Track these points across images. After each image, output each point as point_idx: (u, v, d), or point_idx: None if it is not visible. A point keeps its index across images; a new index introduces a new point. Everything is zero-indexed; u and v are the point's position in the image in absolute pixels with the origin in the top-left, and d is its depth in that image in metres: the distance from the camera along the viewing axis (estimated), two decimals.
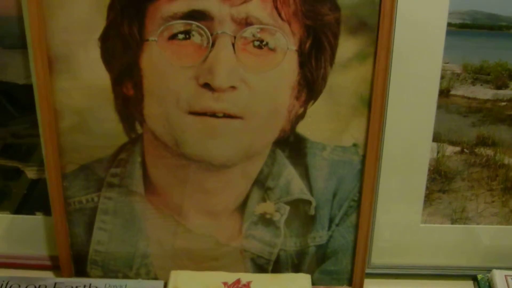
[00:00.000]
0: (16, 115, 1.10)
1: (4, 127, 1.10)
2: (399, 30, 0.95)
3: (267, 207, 1.02)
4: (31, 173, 1.10)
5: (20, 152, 1.13)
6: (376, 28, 0.94)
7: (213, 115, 0.97)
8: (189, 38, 0.93)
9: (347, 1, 0.92)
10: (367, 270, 1.08)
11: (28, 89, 1.03)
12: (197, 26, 0.91)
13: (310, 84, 0.95)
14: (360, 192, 1.02)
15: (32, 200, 1.14)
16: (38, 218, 1.14)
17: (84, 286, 1.03)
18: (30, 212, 1.14)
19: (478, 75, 1.01)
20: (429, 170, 1.07)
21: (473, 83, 1.01)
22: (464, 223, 1.10)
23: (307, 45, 0.93)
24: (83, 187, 1.03)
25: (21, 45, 1.01)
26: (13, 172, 1.14)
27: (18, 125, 1.10)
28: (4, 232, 1.14)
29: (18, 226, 1.14)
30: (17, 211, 1.15)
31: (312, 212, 1.03)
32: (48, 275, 1.13)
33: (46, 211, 1.10)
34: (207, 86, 0.95)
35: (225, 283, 1.01)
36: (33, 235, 1.15)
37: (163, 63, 0.94)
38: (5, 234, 1.15)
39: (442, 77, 1.01)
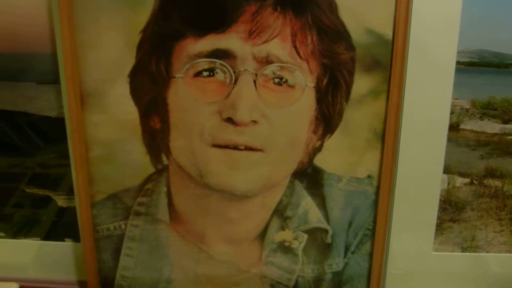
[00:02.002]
0: (42, 146, 1.15)
1: (31, 157, 1.15)
2: (411, 68, 1.00)
3: (286, 235, 1.07)
4: (61, 201, 1.15)
5: (48, 181, 1.17)
6: (389, 66, 0.98)
7: (235, 147, 1.01)
8: (213, 75, 0.98)
9: (361, 41, 0.97)
10: None
11: (54, 121, 1.08)
12: (221, 64, 0.96)
13: (327, 119, 1.00)
14: (374, 221, 1.06)
15: (60, 227, 1.18)
16: (67, 245, 1.18)
17: None
18: (59, 238, 1.17)
19: (486, 110, 1.06)
20: (440, 200, 1.11)
21: (481, 118, 1.06)
22: (474, 251, 1.14)
23: (324, 82, 0.98)
24: (111, 215, 1.08)
25: (54, 80, 1.05)
26: (41, 200, 1.19)
27: (45, 155, 1.15)
28: (34, 257, 1.19)
29: (48, 252, 1.19)
30: (46, 237, 1.19)
31: (328, 240, 1.07)
32: None
33: (75, 238, 1.14)
34: (229, 120, 0.99)
35: None
36: (62, 260, 1.20)
37: (188, 98, 0.99)
38: (35, 260, 1.20)
39: (452, 112, 1.06)
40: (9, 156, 1.15)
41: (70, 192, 1.13)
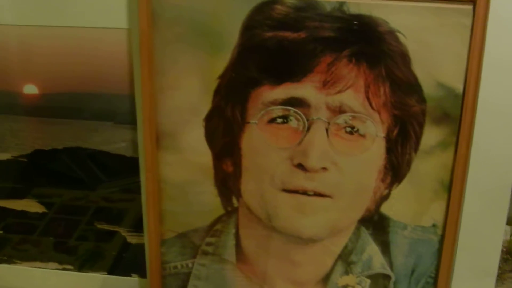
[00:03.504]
0: (104, 179, 1.18)
1: (93, 191, 1.18)
2: (479, 121, 1.02)
3: (349, 280, 1.09)
4: (128, 236, 1.18)
5: (111, 215, 1.20)
6: (458, 119, 1.01)
7: (305, 193, 1.04)
8: (287, 122, 1.01)
9: (432, 94, 0.99)
10: None
11: (115, 157, 1.11)
12: (295, 112, 1.00)
13: (395, 169, 1.02)
14: (437, 269, 1.08)
15: (125, 262, 1.21)
16: (133, 280, 1.21)
17: None
18: (124, 273, 1.20)
19: None
20: (502, 251, 1.12)
21: None
22: None
23: (395, 132, 1.01)
24: (179, 253, 1.11)
25: (130, 121, 1.08)
26: (105, 233, 1.22)
27: (107, 189, 1.18)
28: None
29: (113, 286, 1.21)
30: (110, 271, 1.22)
31: (391, 286, 1.10)
32: None
33: (140, 273, 1.17)
34: (300, 166, 1.02)
35: None
36: None
37: (261, 144, 1.02)
38: None
39: None
40: (73, 189, 1.17)
41: (134, 226, 1.15)
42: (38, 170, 1.16)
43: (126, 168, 1.14)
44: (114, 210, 1.20)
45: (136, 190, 1.15)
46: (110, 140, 1.11)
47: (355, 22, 0.95)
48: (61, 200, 1.20)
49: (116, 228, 1.18)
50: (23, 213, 1.21)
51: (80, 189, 1.19)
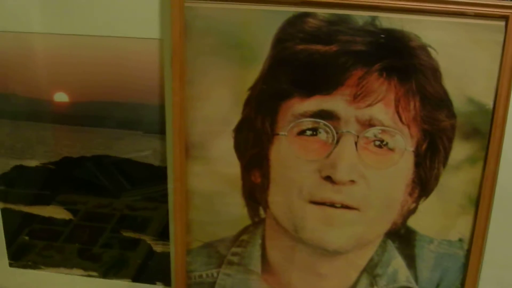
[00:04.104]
0: (128, 187, 1.19)
1: (117, 199, 1.19)
2: (509, 136, 1.02)
3: None
4: (154, 245, 1.19)
5: (136, 223, 1.21)
6: (488, 135, 1.01)
7: (332, 205, 1.04)
8: (316, 134, 1.01)
9: (462, 109, 1.00)
10: None
11: (141, 165, 1.12)
12: (325, 125, 1.00)
13: (423, 183, 1.03)
14: (462, 283, 1.08)
15: (150, 270, 1.21)
16: None
17: None
18: (148, 281, 1.21)
19: None
20: None
21: None
22: None
23: (424, 147, 1.01)
24: (204, 263, 1.12)
25: (160, 131, 1.09)
26: (129, 241, 1.22)
27: (130, 197, 1.19)
28: None
29: None
30: (135, 279, 1.22)
31: None
32: None
33: (164, 281, 1.17)
34: (328, 178, 1.03)
35: None
36: None
37: (290, 155, 1.03)
38: None
39: None
40: (98, 196, 1.18)
41: (159, 235, 1.16)
42: (65, 177, 1.16)
43: (152, 176, 1.13)
44: (139, 218, 1.19)
45: (159, 198, 1.14)
46: (138, 149, 1.11)
47: (382, 36, 0.94)
48: (85, 207, 1.19)
49: (142, 236, 1.18)
50: (48, 219, 1.21)
51: (104, 197, 1.18)
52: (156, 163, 1.11)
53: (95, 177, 1.16)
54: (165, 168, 1.12)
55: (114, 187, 1.17)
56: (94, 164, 1.15)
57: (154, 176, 1.14)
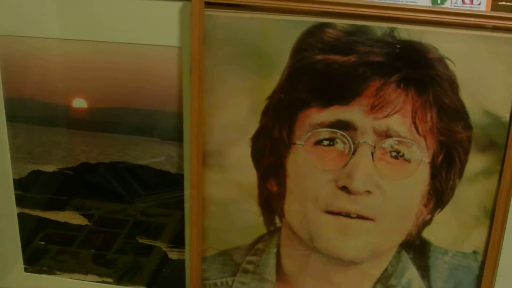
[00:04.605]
0: (142, 193, 1.20)
1: (131, 204, 1.19)
2: None
3: None
4: (171, 253, 1.20)
5: (149, 229, 1.22)
6: (504, 148, 1.01)
7: (347, 215, 1.05)
8: (333, 144, 1.02)
9: (479, 122, 1.00)
10: None
11: (152, 171, 1.12)
12: (342, 135, 1.01)
13: (439, 194, 1.03)
14: None
15: (163, 277, 1.22)
16: None
17: None
18: (162, 287, 1.21)
19: None
20: None
21: None
22: None
23: (440, 158, 1.02)
24: (219, 270, 1.12)
25: (177, 138, 1.10)
26: (143, 248, 1.23)
27: (144, 203, 1.19)
28: None
29: None
30: (149, 285, 1.23)
31: None
32: None
33: None
34: (344, 189, 1.03)
35: None
36: None
37: (307, 165, 1.04)
38: None
39: None
40: (113, 202, 1.19)
41: (173, 242, 1.16)
42: (82, 182, 1.17)
43: (166, 183, 1.14)
44: (153, 224, 1.20)
45: (173, 205, 1.15)
46: (154, 155, 1.12)
47: (398, 46, 0.95)
48: (99, 213, 1.20)
49: (157, 243, 1.18)
50: (63, 224, 1.22)
51: (118, 202, 1.18)
52: (171, 169, 1.11)
53: (109, 182, 1.16)
54: (179, 175, 1.11)
55: (128, 193, 1.17)
56: (109, 170, 1.15)
57: (169, 182, 1.13)
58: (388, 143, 0.99)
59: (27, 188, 1.20)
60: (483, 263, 1.06)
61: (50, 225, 1.23)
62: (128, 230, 1.21)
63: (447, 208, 1.04)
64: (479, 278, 1.07)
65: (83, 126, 1.13)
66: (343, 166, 1.00)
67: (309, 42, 0.98)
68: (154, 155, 1.12)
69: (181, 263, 1.18)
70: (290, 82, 1.00)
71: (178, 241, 1.18)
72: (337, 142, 1.00)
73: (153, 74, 1.06)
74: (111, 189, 1.17)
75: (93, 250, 1.23)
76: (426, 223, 1.05)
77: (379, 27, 0.96)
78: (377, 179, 1.01)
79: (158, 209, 1.19)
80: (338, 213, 1.04)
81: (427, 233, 1.06)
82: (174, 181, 1.14)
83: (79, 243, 1.23)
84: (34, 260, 1.26)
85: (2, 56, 1.10)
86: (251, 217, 1.07)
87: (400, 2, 0.97)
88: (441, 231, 1.05)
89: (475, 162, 1.02)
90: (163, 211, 1.18)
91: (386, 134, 1.00)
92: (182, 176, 1.12)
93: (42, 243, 1.25)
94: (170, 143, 1.10)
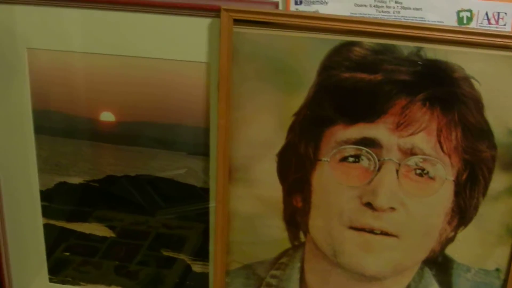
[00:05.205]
0: (163, 205, 1.21)
1: (152, 216, 1.21)
2: None
3: None
4: (194, 266, 1.21)
5: (171, 242, 1.23)
6: None
7: (371, 231, 1.06)
8: (358, 161, 1.03)
9: (503, 140, 1.01)
10: None
11: (175, 184, 1.14)
12: (367, 152, 1.02)
13: (463, 212, 1.04)
14: None
15: None
16: None
17: None
18: None
19: None
20: None
21: None
22: None
23: (464, 176, 1.03)
24: (243, 284, 1.13)
25: (203, 152, 1.11)
26: (165, 260, 1.24)
27: (165, 215, 1.21)
28: None
29: None
30: None
31: None
32: None
33: None
34: (369, 205, 1.04)
35: None
36: None
37: (332, 181, 1.05)
38: None
39: None
40: (135, 214, 1.20)
41: (195, 254, 1.17)
42: (108, 195, 1.18)
43: (189, 196, 1.15)
44: (175, 236, 1.21)
45: (195, 218, 1.16)
46: (178, 167, 1.13)
47: (424, 65, 0.96)
48: (122, 224, 1.21)
49: (180, 256, 1.19)
50: (86, 235, 1.23)
51: (140, 214, 1.20)
52: (197, 183, 1.12)
53: (132, 195, 1.18)
54: (201, 188, 1.13)
55: (149, 205, 1.18)
56: (132, 182, 1.16)
57: (190, 195, 1.15)
58: (413, 160, 1.00)
59: (53, 199, 1.21)
60: (505, 281, 1.07)
61: (73, 236, 1.23)
62: (150, 241, 1.21)
63: (470, 225, 1.04)
64: None
65: (111, 139, 1.13)
66: (368, 183, 1.01)
67: (336, 60, 0.99)
68: (177, 168, 1.12)
69: (205, 276, 1.18)
70: (316, 99, 1.01)
71: (202, 254, 1.18)
72: (362, 159, 1.01)
73: (180, 89, 1.08)
74: (133, 201, 1.18)
75: (116, 262, 1.23)
76: (449, 240, 1.06)
77: (406, 46, 0.97)
78: (401, 196, 1.02)
79: (180, 221, 1.18)
80: (362, 229, 1.05)
81: (450, 250, 1.06)
82: (196, 194, 1.14)
83: (102, 254, 1.23)
84: (58, 271, 1.27)
85: (32, 69, 1.11)
86: (275, 231, 1.08)
87: (426, 22, 0.97)
88: (464, 249, 1.05)
89: (499, 181, 1.03)
90: (185, 223, 1.18)
91: (411, 152, 1.01)
92: (203, 189, 1.12)
93: (67, 253, 1.25)
94: (195, 157, 1.10)
